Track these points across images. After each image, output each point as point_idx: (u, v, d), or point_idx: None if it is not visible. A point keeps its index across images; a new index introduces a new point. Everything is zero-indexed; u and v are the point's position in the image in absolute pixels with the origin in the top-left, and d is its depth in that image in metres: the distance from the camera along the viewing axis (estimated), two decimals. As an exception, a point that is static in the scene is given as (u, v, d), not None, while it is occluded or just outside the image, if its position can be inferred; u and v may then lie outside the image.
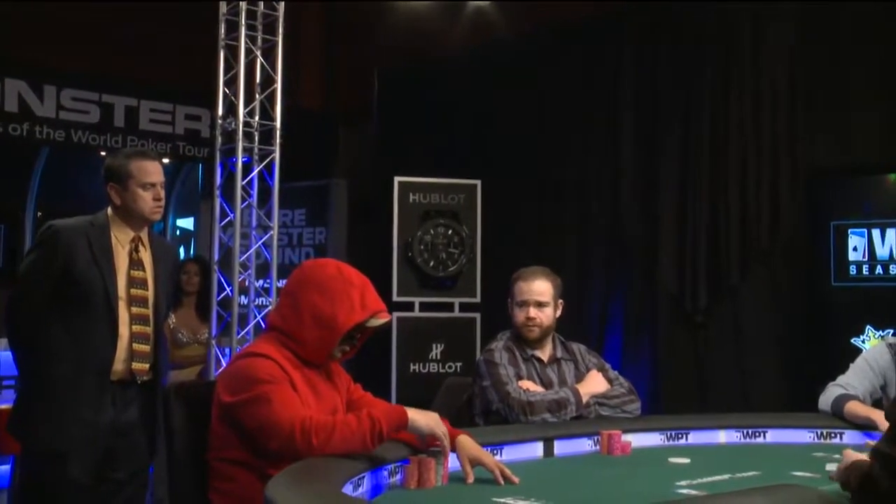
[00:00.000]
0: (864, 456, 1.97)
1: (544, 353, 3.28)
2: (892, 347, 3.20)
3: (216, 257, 5.26)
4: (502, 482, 2.32)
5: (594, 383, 3.16)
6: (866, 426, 3.00)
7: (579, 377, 3.27)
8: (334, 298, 2.37)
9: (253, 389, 2.25)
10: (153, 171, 3.18)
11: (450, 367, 5.89)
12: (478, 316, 5.97)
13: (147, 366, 3.16)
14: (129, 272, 3.15)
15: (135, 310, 3.14)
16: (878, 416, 2.92)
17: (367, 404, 2.57)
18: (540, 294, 3.23)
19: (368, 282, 2.47)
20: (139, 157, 3.22)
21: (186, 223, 9.25)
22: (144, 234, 3.25)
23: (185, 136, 6.90)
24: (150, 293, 3.20)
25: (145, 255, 3.23)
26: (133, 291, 3.15)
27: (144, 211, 3.17)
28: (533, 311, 3.22)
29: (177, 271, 3.56)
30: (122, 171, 3.15)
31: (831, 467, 2.07)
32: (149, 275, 3.21)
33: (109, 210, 3.20)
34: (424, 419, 2.29)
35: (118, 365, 3.09)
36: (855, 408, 3.05)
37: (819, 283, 5.11)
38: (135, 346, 3.12)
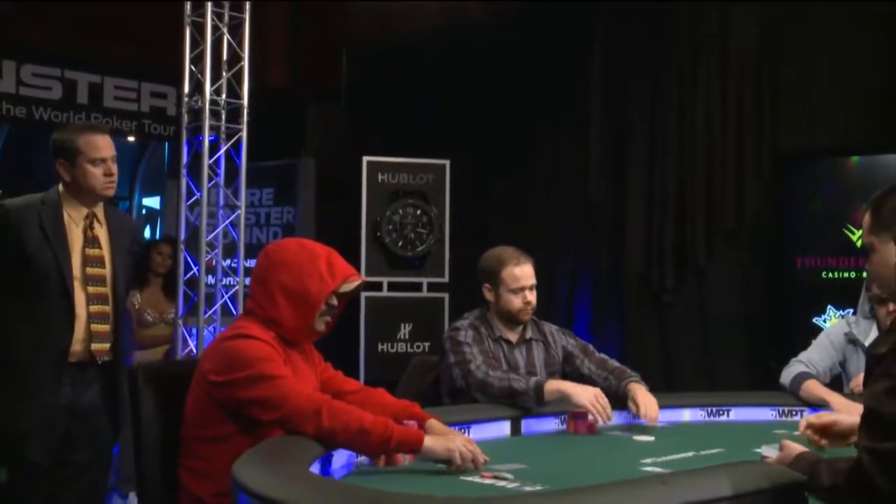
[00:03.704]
0: (800, 447, 1.97)
1: (514, 335, 3.28)
2: (849, 326, 3.28)
3: (183, 236, 5.21)
4: (470, 466, 2.32)
5: (580, 391, 2.92)
6: (820, 406, 3.06)
7: (549, 360, 3.28)
8: (302, 273, 2.38)
9: (253, 367, 2.24)
10: (103, 145, 3.07)
11: (418, 347, 5.90)
12: (446, 296, 5.98)
13: (107, 346, 3.08)
14: (83, 250, 3.06)
15: (92, 289, 3.05)
16: (833, 398, 3.01)
17: (339, 383, 2.58)
18: (532, 277, 3.24)
19: (333, 251, 2.47)
20: (87, 131, 3.10)
21: (153, 202, 9.15)
22: (99, 210, 3.15)
23: (151, 113, 6.81)
24: (107, 271, 3.10)
25: (101, 232, 3.13)
26: (89, 270, 3.05)
27: (96, 187, 3.06)
28: (530, 296, 3.22)
29: (135, 244, 3.39)
30: (70, 146, 3.04)
31: (768, 452, 2.07)
32: (105, 252, 3.11)
33: (60, 187, 3.09)
34: (441, 443, 2.21)
35: (76, 346, 3.01)
36: (812, 387, 3.12)
37: (783, 263, 5.18)
38: (93, 326, 3.03)
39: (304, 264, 2.39)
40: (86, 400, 3.05)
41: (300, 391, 2.23)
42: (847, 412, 2.86)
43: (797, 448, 1.97)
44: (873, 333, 3.20)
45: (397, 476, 2.20)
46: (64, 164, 3.05)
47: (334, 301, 2.46)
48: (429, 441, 2.21)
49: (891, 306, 3.06)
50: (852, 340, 3.26)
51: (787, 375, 3.23)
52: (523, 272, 3.22)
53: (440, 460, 2.22)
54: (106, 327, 3.08)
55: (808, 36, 5.28)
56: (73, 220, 3.07)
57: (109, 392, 3.10)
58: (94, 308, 3.05)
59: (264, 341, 2.32)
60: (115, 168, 3.10)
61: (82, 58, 6.48)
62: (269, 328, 2.38)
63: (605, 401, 2.90)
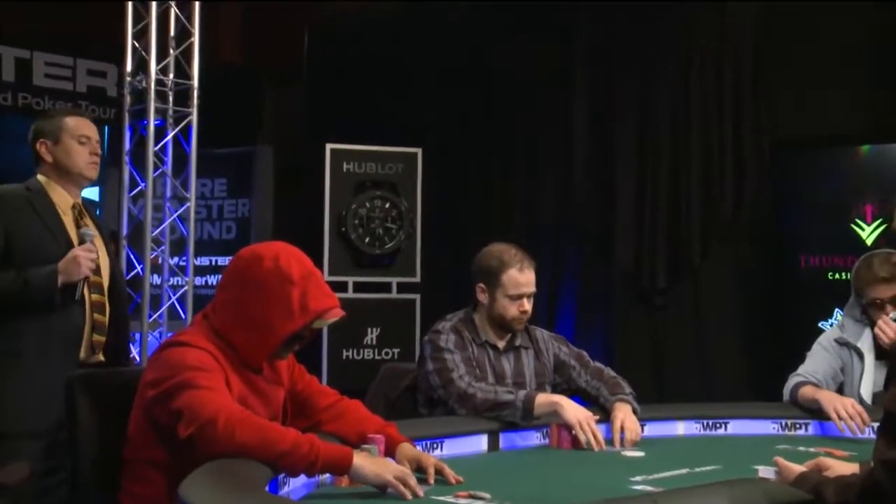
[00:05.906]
0: (800, 467, 1.99)
1: (501, 341, 3.25)
2: (840, 331, 3.37)
3: (125, 231, 5.19)
4: (431, 482, 2.29)
5: (571, 408, 2.91)
6: (818, 410, 3.13)
7: (539, 370, 3.27)
8: (269, 301, 2.28)
9: (179, 375, 2.16)
10: (89, 127, 3.25)
11: (386, 354, 5.90)
12: (417, 297, 5.97)
13: (103, 338, 3.15)
14: (79, 238, 3.16)
15: (92, 278, 3.14)
16: (823, 396, 3.12)
17: (313, 395, 2.53)
18: (533, 285, 3.22)
19: (315, 274, 2.36)
20: (74, 113, 3.33)
21: (91, 193, 9.04)
22: (79, 201, 3.28)
23: (88, 94, 6.73)
24: (100, 261, 3.19)
25: (88, 223, 3.24)
26: None
27: (79, 165, 3.19)
28: (527, 304, 3.19)
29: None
30: (54, 125, 3.19)
31: (766, 474, 2.09)
32: (98, 243, 3.22)
33: (40, 176, 3.20)
34: (372, 466, 2.12)
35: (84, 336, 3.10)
36: (805, 392, 3.20)
37: (785, 262, 5.23)
38: (95, 315, 3.13)
39: (274, 291, 2.28)
40: None
41: (221, 404, 2.10)
42: (831, 405, 2.97)
43: (797, 468, 1.98)
44: (866, 336, 3.29)
45: (362, 497, 2.18)
46: (45, 144, 3.19)
47: (304, 332, 2.38)
48: (358, 461, 2.10)
49: (888, 308, 3.19)
50: (844, 343, 3.34)
51: (786, 391, 3.32)
52: (526, 278, 3.18)
53: (369, 484, 2.14)
54: (104, 318, 3.17)
55: (810, 20, 5.32)
56: (61, 208, 3.18)
57: None
58: (94, 297, 3.15)
59: (202, 349, 2.23)
60: (99, 152, 3.27)
61: (7, 30, 6.38)
62: (219, 340, 2.30)
63: (594, 427, 2.89)
